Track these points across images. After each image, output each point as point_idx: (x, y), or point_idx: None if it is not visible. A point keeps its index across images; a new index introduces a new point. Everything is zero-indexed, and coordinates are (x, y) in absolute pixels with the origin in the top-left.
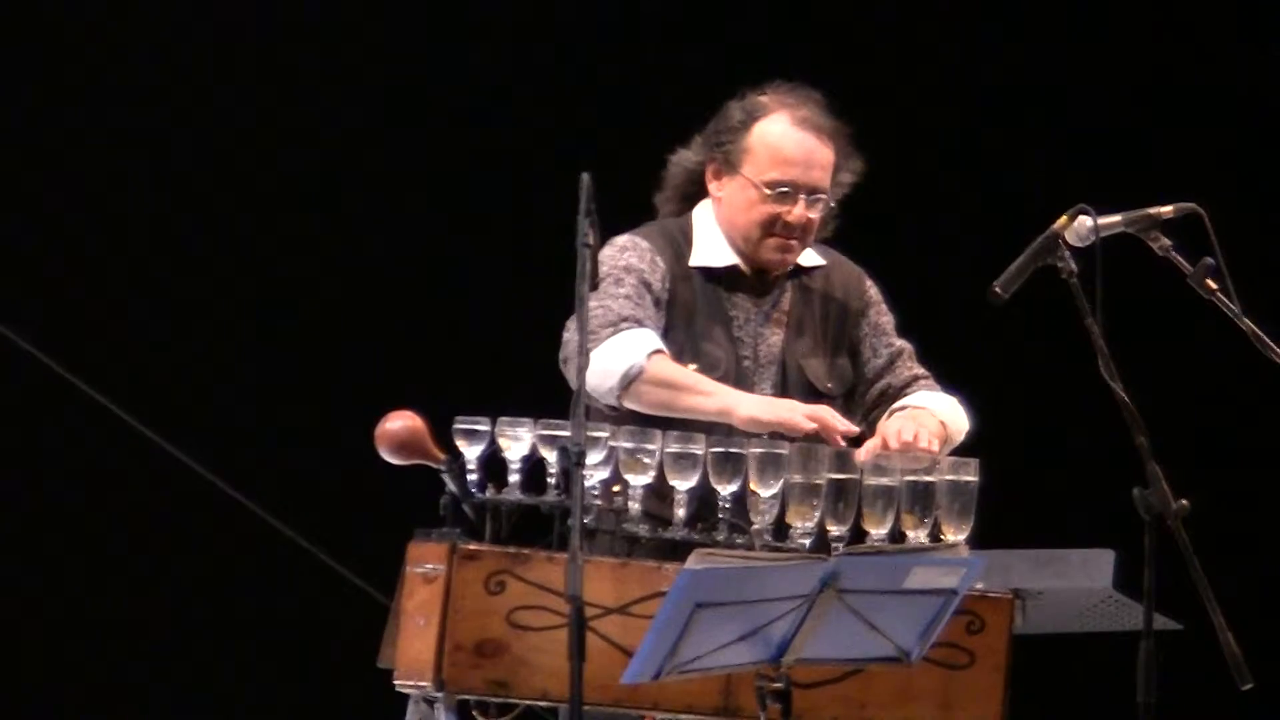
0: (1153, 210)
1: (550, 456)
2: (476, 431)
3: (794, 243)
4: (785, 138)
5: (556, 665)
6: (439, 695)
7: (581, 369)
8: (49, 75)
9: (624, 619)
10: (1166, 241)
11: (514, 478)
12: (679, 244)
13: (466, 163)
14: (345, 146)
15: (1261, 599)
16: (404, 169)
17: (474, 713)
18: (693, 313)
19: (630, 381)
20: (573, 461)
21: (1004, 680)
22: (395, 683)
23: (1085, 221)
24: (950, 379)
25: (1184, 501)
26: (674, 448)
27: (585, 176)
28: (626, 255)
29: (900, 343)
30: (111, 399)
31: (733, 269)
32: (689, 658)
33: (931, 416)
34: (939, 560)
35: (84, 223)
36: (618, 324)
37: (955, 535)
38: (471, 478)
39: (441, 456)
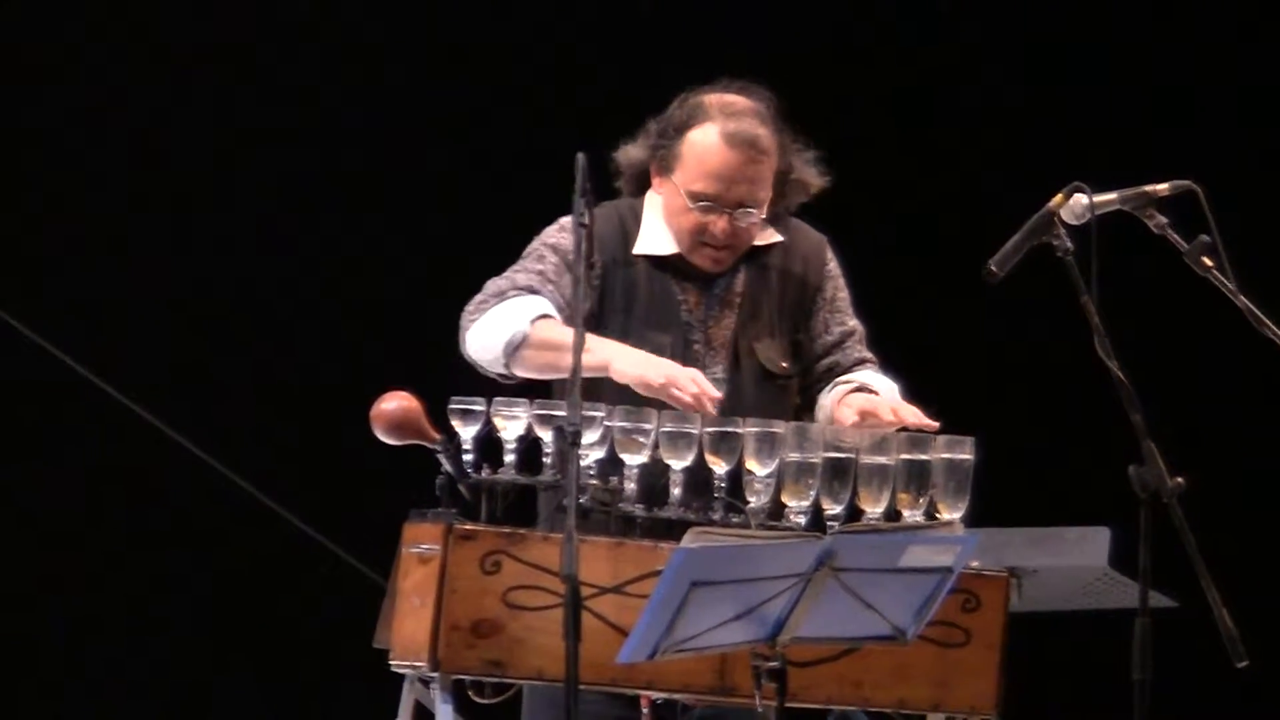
0: (1148, 188)
1: (546, 436)
2: (472, 411)
3: (723, 252)
4: (711, 152)
5: (552, 645)
6: (435, 675)
7: (577, 349)
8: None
9: (620, 598)
10: (1162, 219)
11: (509, 458)
12: (628, 227)
13: (458, 144)
14: (342, 135)
15: (1257, 576)
16: (398, 151)
17: (469, 692)
18: (634, 298)
19: (514, 349)
20: (568, 441)
21: (999, 658)
22: (391, 663)
23: (1081, 199)
24: (946, 358)
25: (1179, 479)
26: (669, 427)
27: (581, 156)
28: (562, 236)
29: (854, 323)
30: (105, 379)
31: (678, 256)
32: (684, 637)
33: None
34: (934, 538)
35: (77, 209)
36: (505, 293)
37: (951, 513)
38: (467, 458)
39: (437, 436)
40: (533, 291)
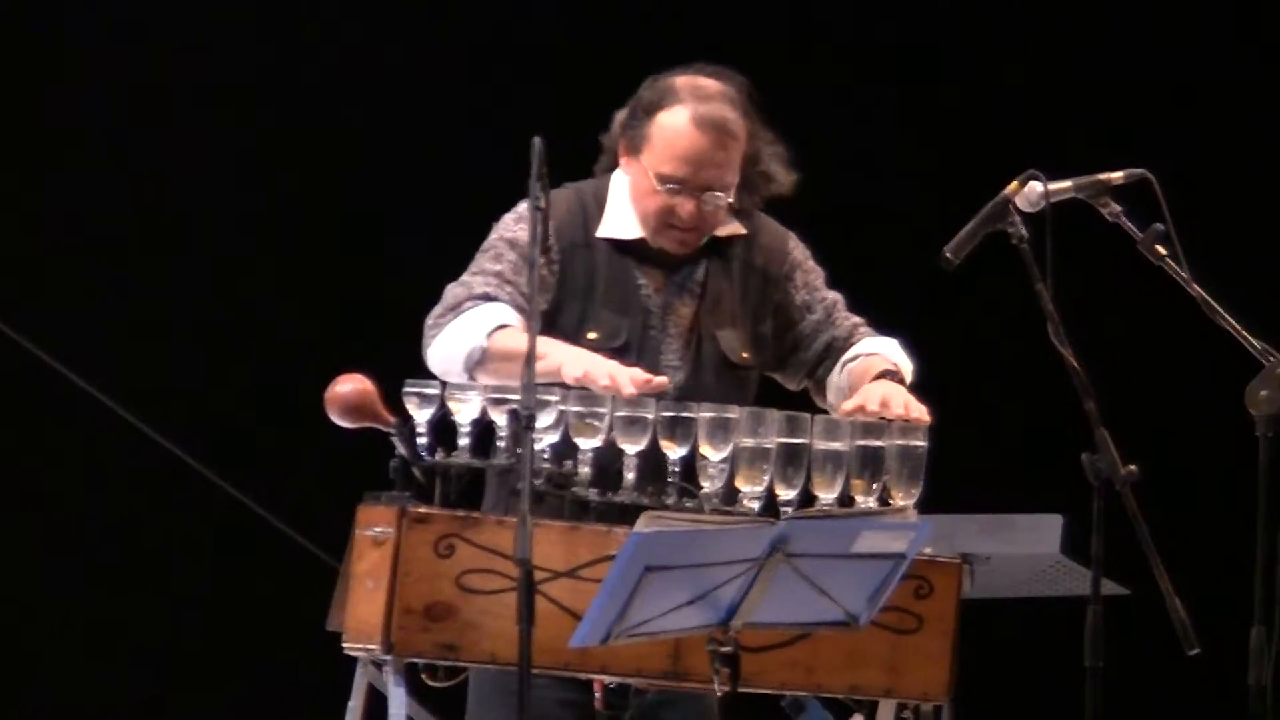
0: (1103, 176)
1: (500, 420)
2: (427, 395)
3: (689, 234)
4: (680, 135)
5: (505, 629)
6: (388, 658)
7: (532, 332)
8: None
9: (573, 583)
10: (1116, 207)
11: (464, 441)
12: (589, 210)
13: (417, 126)
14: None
15: (1209, 564)
16: (356, 131)
17: (422, 676)
18: (593, 281)
19: (474, 364)
20: (522, 425)
21: (952, 645)
22: (344, 646)
23: (1035, 187)
24: (901, 344)
25: (1132, 467)
26: (624, 411)
27: (537, 140)
28: (519, 228)
29: (832, 295)
30: (59, 360)
31: (641, 241)
32: (637, 621)
33: (884, 362)
34: (887, 524)
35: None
36: (460, 305)
37: (904, 500)
38: (421, 441)
39: (391, 419)
40: (489, 299)
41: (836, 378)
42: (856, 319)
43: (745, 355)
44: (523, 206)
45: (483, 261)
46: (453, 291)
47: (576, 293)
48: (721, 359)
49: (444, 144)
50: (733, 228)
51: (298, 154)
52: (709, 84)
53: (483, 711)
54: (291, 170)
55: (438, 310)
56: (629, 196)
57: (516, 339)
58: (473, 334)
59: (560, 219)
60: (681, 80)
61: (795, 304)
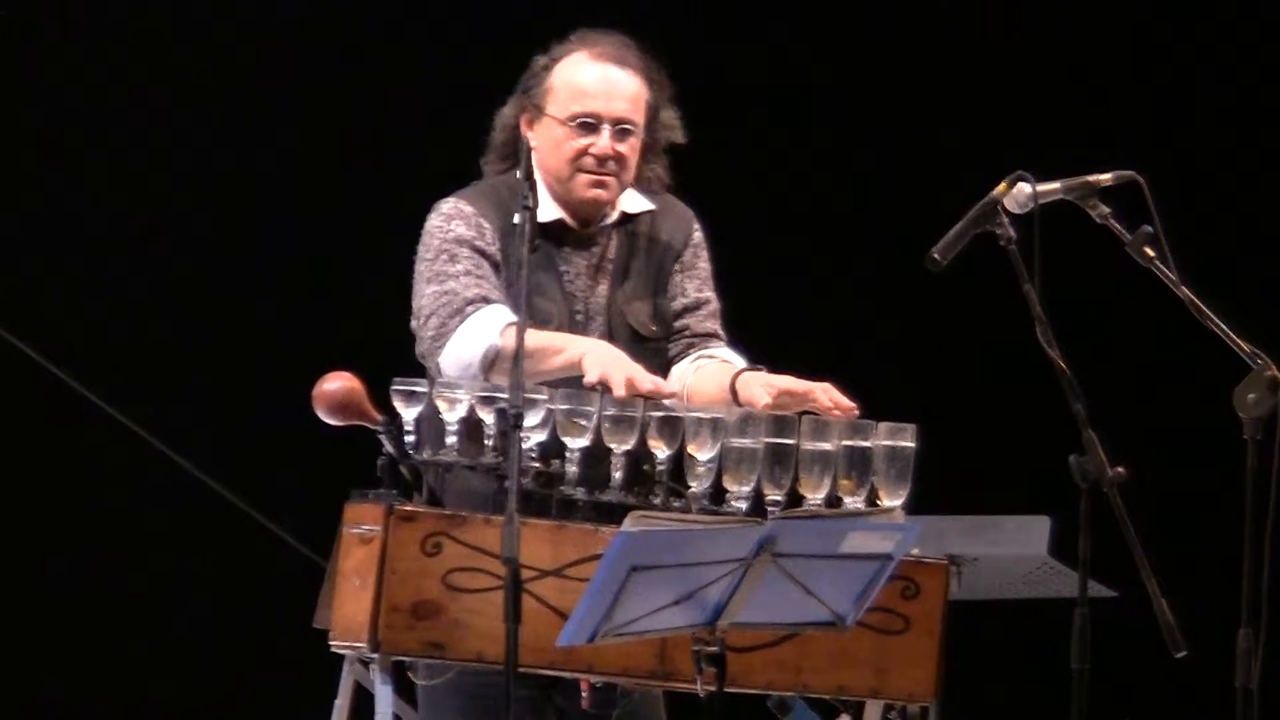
0: (1091, 178)
1: (488, 418)
2: (415, 393)
3: (606, 178)
4: (583, 72)
5: (492, 627)
6: (374, 656)
7: (521, 329)
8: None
9: (560, 582)
10: (1105, 209)
11: (451, 439)
12: (505, 201)
13: (404, 121)
14: (288, 107)
15: (1196, 567)
16: (342, 127)
17: (409, 674)
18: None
19: (492, 363)
20: (510, 423)
21: (939, 646)
22: (331, 644)
23: (1024, 188)
24: (888, 345)
25: (1120, 468)
26: (611, 410)
27: (525, 139)
28: (454, 225)
29: (711, 295)
30: (47, 358)
31: (559, 223)
32: (624, 621)
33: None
34: (875, 525)
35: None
36: (463, 310)
37: (892, 500)
38: (409, 439)
39: (379, 417)
40: (486, 300)
41: (683, 368)
42: (718, 329)
43: (654, 329)
44: (446, 206)
45: (440, 266)
46: (440, 301)
47: (510, 282)
48: (631, 333)
49: (432, 139)
50: (640, 204)
51: (286, 148)
52: (601, 37)
53: (436, 712)
54: (279, 164)
55: (434, 324)
56: (540, 171)
57: (530, 336)
58: (484, 335)
59: (487, 211)
60: (572, 40)
61: (674, 281)
